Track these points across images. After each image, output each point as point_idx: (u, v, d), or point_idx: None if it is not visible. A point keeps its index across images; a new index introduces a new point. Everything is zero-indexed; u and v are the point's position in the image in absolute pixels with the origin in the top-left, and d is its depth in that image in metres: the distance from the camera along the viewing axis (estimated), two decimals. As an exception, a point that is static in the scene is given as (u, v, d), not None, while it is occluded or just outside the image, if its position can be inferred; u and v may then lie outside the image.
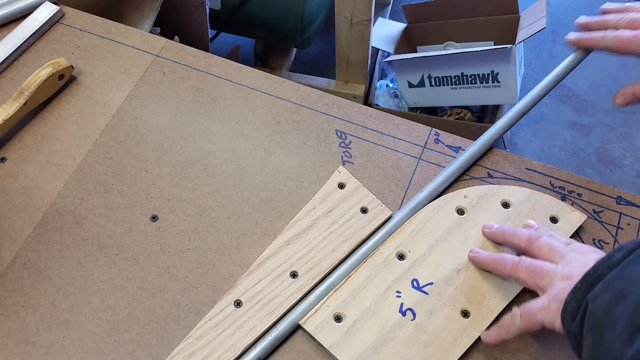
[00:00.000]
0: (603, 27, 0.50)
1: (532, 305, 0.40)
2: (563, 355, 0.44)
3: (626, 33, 0.47)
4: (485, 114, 1.39)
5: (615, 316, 0.31)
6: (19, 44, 0.61)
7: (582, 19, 0.53)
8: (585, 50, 0.54)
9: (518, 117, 0.54)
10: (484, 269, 0.46)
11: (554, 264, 0.41)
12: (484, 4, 1.28)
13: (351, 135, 0.56)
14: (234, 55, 1.31)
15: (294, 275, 0.47)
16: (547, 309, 0.39)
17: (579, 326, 0.34)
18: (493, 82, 1.22)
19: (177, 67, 0.61)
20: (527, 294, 0.46)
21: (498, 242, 0.47)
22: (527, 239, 0.44)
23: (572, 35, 0.53)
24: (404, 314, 0.45)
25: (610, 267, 0.33)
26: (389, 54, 1.33)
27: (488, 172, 0.53)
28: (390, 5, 1.68)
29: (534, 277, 0.41)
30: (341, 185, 0.52)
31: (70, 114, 0.58)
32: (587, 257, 0.40)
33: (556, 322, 0.38)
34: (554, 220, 0.49)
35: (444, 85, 1.28)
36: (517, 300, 0.46)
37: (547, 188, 0.52)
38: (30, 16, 0.63)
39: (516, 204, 0.50)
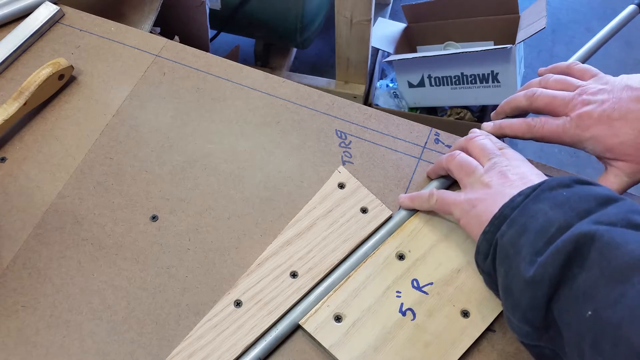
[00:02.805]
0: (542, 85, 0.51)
1: (448, 195, 0.46)
2: (563, 355, 0.44)
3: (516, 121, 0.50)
4: (485, 114, 1.39)
5: (519, 246, 0.36)
6: (19, 44, 0.61)
7: (543, 69, 0.54)
8: (589, 51, 0.54)
9: (518, 117, 0.54)
10: (431, 172, 0.51)
11: (480, 164, 0.45)
12: (484, 4, 1.28)
13: (351, 135, 0.56)
14: (234, 55, 1.31)
15: (294, 275, 0.47)
16: (459, 204, 0.44)
17: (491, 263, 0.39)
18: (493, 82, 1.22)
19: (177, 67, 0.61)
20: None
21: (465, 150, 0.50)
22: (466, 138, 0.49)
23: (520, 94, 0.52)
24: (404, 314, 0.45)
25: (513, 208, 0.38)
26: (389, 54, 1.33)
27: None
28: (390, 5, 1.68)
29: (461, 172, 0.46)
30: (341, 185, 0.52)
31: (70, 114, 0.58)
32: (511, 163, 0.44)
33: (462, 221, 0.44)
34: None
35: (444, 85, 1.28)
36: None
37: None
38: (30, 16, 0.63)
39: (516, 204, 0.50)
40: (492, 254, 0.39)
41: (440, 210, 0.47)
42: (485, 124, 0.52)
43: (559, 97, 0.47)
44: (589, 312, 0.32)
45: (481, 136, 0.48)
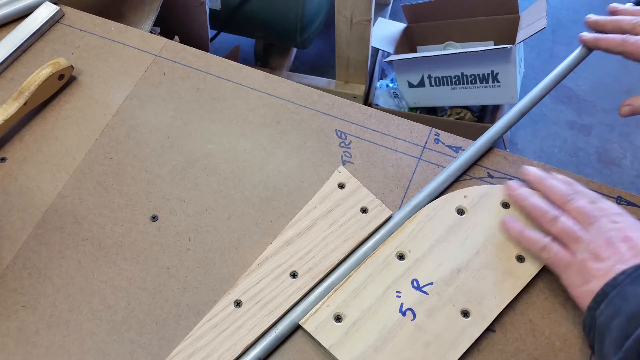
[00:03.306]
0: (617, 29, 0.51)
1: (562, 258, 0.44)
2: (563, 355, 0.44)
3: None
4: (485, 114, 1.39)
5: (612, 327, 0.37)
6: (19, 44, 0.61)
7: (593, 18, 0.53)
8: (588, 49, 0.54)
9: (518, 117, 0.54)
10: (519, 205, 0.49)
11: (584, 230, 0.44)
12: (484, 4, 1.28)
13: (351, 135, 0.56)
14: (234, 55, 1.31)
15: (294, 275, 0.47)
16: (570, 275, 0.43)
17: (592, 338, 0.40)
18: (493, 82, 1.22)
19: (177, 67, 0.61)
20: (527, 294, 0.47)
21: (535, 188, 0.49)
22: (562, 198, 0.46)
23: (587, 35, 0.53)
24: (404, 314, 0.45)
25: (614, 287, 0.39)
26: (389, 54, 1.33)
27: (488, 172, 0.53)
28: (390, 5, 1.68)
29: (565, 237, 0.44)
30: (341, 185, 0.52)
31: (70, 114, 0.58)
32: (615, 225, 0.43)
33: (571, 292, 0.43)
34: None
35: (444, 85, 1.28)
36: (517, 300, 0.46)
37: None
38: (30, 16, 0.63)
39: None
40: (593, 329, 0.40)
41: (548, 266, 0.46)
42: (585, 37, 0.52)
43: None
44: None
45: (576, 198, 0.46)
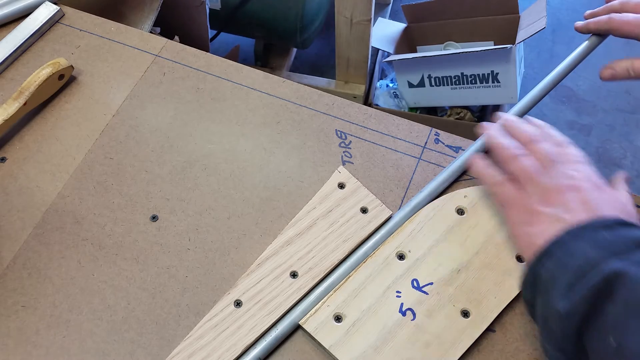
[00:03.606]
0: (607, 11, 0.53)
1: (509, 195, 0.45)
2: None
3: (631, 16, 0.50)
4: (485, 114, 1.39)
5: (558, 281, 0.38)
6: (19, 44, 0.61)
7: (589, 11, 0.56)
8: (587, 49, 0.54)
9: (518, 117, 0.54)
10: (487, 144, 0.50)
11: (541, 172, 0.45)
12: (484, 4, 1.28)
13: (351, 135, 0.56)
14: (234, 55, 1.31)
15: (294, 275, 0.47)
16: (516, 212, 0.44)
17: (532, 293, 0.41)
18: (493, 82, 1.22)
19: (177, 67, 0.61)
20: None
21: (506, 130, 0.50)
22: (527, 138, 0.47)
23: (579, 22, 0.55)
24: (404, 314, 0.45)
25: (559, 245, 0.40)
26: (389, 54, 1.33)
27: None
28: (390, 5, 1.68)
29: (522, 175, 0.45)
30: (341, 185, 0.52)
31: (70, 114, 0.58)
32: (572, 173, 0.44)
33: (512, 229, 0.45)
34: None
35: (444, 85, 1.28)
36: (518, 300, 0.46)
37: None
38: (30, 16, 0.63)
39: (516, 204, 0.50)
40: (533, 285, 0.41)
41: (497, 200, 0.47)
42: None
43: None
44: (615, 344, 0.34)
45: (541, 140, 0.47)
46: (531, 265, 0.41)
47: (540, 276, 0.40)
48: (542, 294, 0.40)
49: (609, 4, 0.54)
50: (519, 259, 0.47)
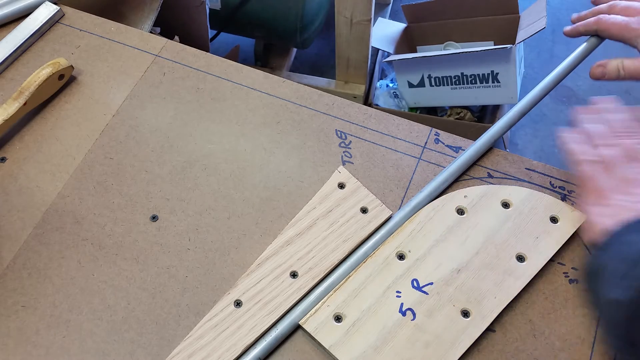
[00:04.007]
0: (595, 13, 0.54)
1: (600, 176, 0.47)
2: (563, 355, 0.44)
3: (619, 18, 0.51)
4: (485, 114, 1.39)
5: (614, 270, 0.40)
6: (19, 44, 0.61)
7: (576, 14, 0.57)
8: (587, 49, 0.54)
9: (518, 117, 0.54)
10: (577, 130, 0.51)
11: (625, 164, 0.47)
12: (484, 4, 1.28)
13: (351, 135, 0.56)
14: (234, 55, 1.31)
15: (294, 275, 0.47)
16: (592, 185, 0.47)
17: (593, 282, 0.42)
18: (493, 82, 1.22)
19: (177, 67, 0.61)
20: (527, 294, 0.47)
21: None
22: (618, 129, 0.49)
23: (567, 27, 0.56)
24: (404, 314, 0.45)
25: (620, 234, 0.42)
26: (389, 54, 1.33)
27: (488, 172, 0.53)
28: (390, 5, 1.68)
29: (608, 159, 0.47)
30: (341, 185, 0.52)
31: (70, 114, 0.58)
32: None
33: (583, 195, 0.48)
34: (554, 220, 0.49)
35: (444, 85, 1.28)
36: (517, 300, 0.46)
37: (547, 188, 0.52)
38: (30, 16, 0.63)
39: (516, 204, 0.50)
40: (595, 273, 0.42)
41: (577, 172, 0.49)
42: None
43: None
44: None
45: (629, 133, 0.49)
46: (593, 255, 0.43)
47: (599, 266, 0.42)
48: (602, 283, 0.41)
49: (597, 7, 0.55)
50: (520, 258, 0.47)
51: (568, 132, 0.51)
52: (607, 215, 0.44)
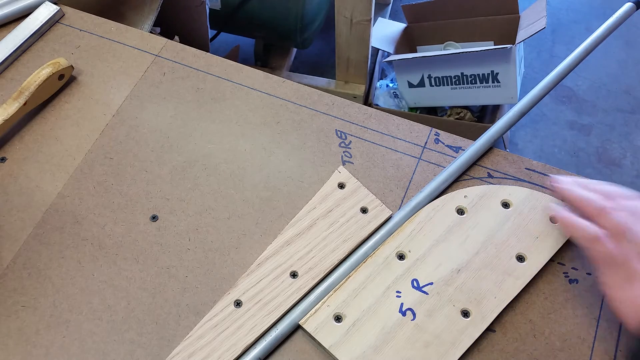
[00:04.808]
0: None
1: (611, 253, 0.41)
2: (563, 355, 0.44)
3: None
4: (485, 114, 1.39)
5: None
6: (19, 44, 0.61)
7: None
8: (587, 50, 0.54)
9: (518, 117, 0.54)
10: (566, 197, 0.46)
11: (635, 225, 0.41)
12: (484, 4, 1.28)
13: (351, 135, 0.56)
14: (234, 55, 1.31)
15: (294, 275, 0.47)
16: (614, 269, 0.41)
17: None
18: (493, 82, 1.22)
19: (177, 67, 0.61)
20: (527, 294, 0.47)
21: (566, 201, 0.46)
22: (610, 194, 0.44)
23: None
24: (404, 314, 0.45)
25: None
26: (389, 54, 1.33)
27: (488, 172, 0.53)
28: (390, 5, 1.68)
29: (613, 230, 0.41)
30: (341, 185, 0.52)
31: (70, 114, 0.58)
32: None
33: (609, 292, 0.41)
34: (554, 220, 0.49)
35: (444, 85, 1.28)
36: (517, 300, 0.46)
37: (547, 188, 0.52)
38: (30, 16, 0.63)
39: (516, 204, 0.50)
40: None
41: (592, 259, 0.43)
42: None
43: None
44: None
45: (621, 194, 0.43)
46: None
47: None
48: None
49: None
50: (520, 258, 0.47)
51: (555, 206, 0.47)
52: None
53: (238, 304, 0.46)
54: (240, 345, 0.44)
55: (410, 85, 1.33)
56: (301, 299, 0.46)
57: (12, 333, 0.46)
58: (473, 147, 0.53)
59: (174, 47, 0.62)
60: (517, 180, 0.52)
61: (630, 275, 0.39)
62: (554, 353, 0.44)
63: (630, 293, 0.39)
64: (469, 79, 1.24)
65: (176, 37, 0.87)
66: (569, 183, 0.46)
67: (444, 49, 1.38)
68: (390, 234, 0.49)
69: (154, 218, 0.52)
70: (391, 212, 0.50)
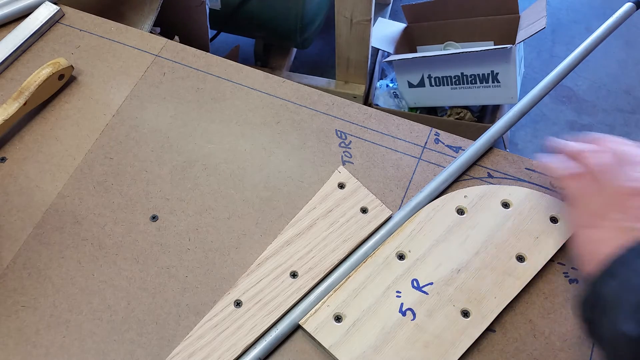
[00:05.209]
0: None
1: (590, 186, 0.41)
2: (563, 355, 0.44)
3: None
4: (485, 114, 1.39)
5: (623, 300, 0.35)
6: (19, 44, 0.61)
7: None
8: (587, 49, 0.54)
9: (518, 117, 0.54)
10: (557, 147, 0.47)
11: (614, 173, 0.41)
12: (484, 4, 1.28)
13: (351, 135, 0.56)
14: (234, 55, 1.31)
15: (294, 275, 0.47)
16: (581, 208, 0.41)
17: (591, 312, 0.38)
18: (493, 82, 1.22)
19: (177, 67, 0.61)
20: (527, 294, 0.47)
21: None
22: (598, 139, 0.45)
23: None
24: (404, 314, 0.45)
25: (624, 262, 0.37)
26: (389, 54, 1.33)
27: (488, 172, 0.53)
28: (390, 5, 1.68)
29: (595, 169, 0.42)
30: (341, 185, 0.52)
31: (70, 114, 0.58)
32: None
33: (573, 218, 0.42)
34: (554, 220, 0.49)
35: (444, 85, 1.28)
36: (517, 300, 0.46)
37: (547, 188, 0.52)
38: (30, 16, 0.63)
39: (516, 204, 0.50)
40: (594, 304, 0.38)
41: (562, 192, 0.45)
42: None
43: None
44: None
45: (611, 139, 0.44)
46: (593, 283, 0.38)
47: (602, 295, 0.37)
48: (607, 314, 0.37)
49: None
50: (520, 259, 0.47)
51: (548, 156, 0.47)
52: (605, 240, 0.38)
53: (238, 304, 0.46)
54: (240, 345, 0.44)
55: (410, 85, 1.33)
56: (301, 299, 0.46)
57: (12, 333, 0.46)
58: (473, 147, 0.53)
59: (174, 47, 0.62)
60: (517, 180, 0.52)
61: (597, 217, 0.40)
62: (554, 353, 0.44)
63: (594, 236, 0.40)
64: (469, 79, 1.24)
65: (176, 37, 0.87)
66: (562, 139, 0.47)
67: (444, 49, 1.38)
68: (390, 234, 0.49)
69: (154, 218, 0.52)
70: (391, 212, 0.50)
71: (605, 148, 0.43)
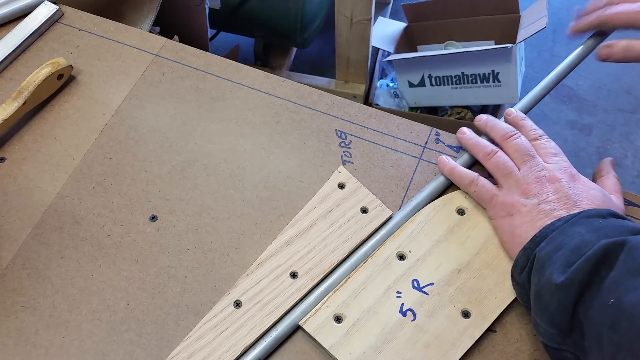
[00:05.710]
0: (594, 9, 0.53)
1: (487, 191, 0.48)
2: (564, 355, 0.44)
3: (620, 7, 0.50)
4: (486, 114, 1.39)
5: (554, 258, 0.39)
6: (18, 44, 0.61)
7: (577, 8, 0.56)
8: (587, 49, 0.54)
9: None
10: (463, 145, 0.52)
11: (517, 168, 0.47)
12: (485, 4, 1.28)
13: (351, 135, 0.56)
14: (234, 54, 1.31)
15: (294, 275, 0.47)
16: (495, 206, 0.47)
17: (526, 275, 0.42)
18: (494, 81, 1.22)
19: (177, 67, 0.61)
20: (527, 294, 0.46)
21: (481, 130, 0.53)
22: (502, 135, 0.50)
23: (571, 26, 0.55)
24: (404, 314, 0.45)
25: (553, 230, 0.41)
26: (389, 54, 1.33)
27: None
28: (391, 4, 1.68)
29: (497, 172, 0.48)
30: (341, 185, 0.52)
31: (69, 113, 0.58)
32: (547, 166, 0.46)
33: (494, 222, 0.47)
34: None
35: (444, 84, 1.28)
36: (519, 301, 0.46)
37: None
38: (30, 16, 0.63)
39: (517, 204, 0.49)
40: (528, 267, 0.42)
41: (475, 199, 0.49)
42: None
43: None
44: (611, 300, 0.35)
45: (515, 135, 0.49)
46: (525, 248, 0.42)
47: (535, 257, 0.41)
48: (537, 272, 0.40)
49: (593, 3, 0.54)
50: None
51: (444, 159, 0.51)
52: (527, 222, 0.44)
53: (238, 304, 0.46)
54: (240, 346, 0.44)
55: (411, 84, 1.33)
56: (301, 299, 0.46)
57: (11, 333, 0.46)
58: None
59: (174, 47, 0.62)
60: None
61: (511, 207, 0.46)
62: (555, 354, 0.44)
63: (509, 221, 0.45)
64: (470, 79, 1.24)
65: (175, 37, 0.87)
66: (468, 131, 0.52)
67: (444, 49, 1.38)
68: (390, 234, 0.49)
69: (154, 218, 0.51)
70: (391, 212, 0.50)
71: (506, 146, 0.49)
